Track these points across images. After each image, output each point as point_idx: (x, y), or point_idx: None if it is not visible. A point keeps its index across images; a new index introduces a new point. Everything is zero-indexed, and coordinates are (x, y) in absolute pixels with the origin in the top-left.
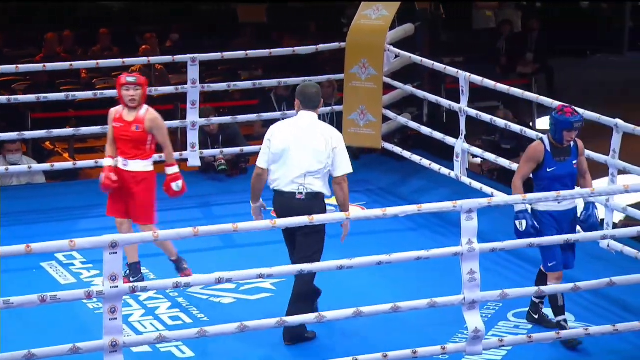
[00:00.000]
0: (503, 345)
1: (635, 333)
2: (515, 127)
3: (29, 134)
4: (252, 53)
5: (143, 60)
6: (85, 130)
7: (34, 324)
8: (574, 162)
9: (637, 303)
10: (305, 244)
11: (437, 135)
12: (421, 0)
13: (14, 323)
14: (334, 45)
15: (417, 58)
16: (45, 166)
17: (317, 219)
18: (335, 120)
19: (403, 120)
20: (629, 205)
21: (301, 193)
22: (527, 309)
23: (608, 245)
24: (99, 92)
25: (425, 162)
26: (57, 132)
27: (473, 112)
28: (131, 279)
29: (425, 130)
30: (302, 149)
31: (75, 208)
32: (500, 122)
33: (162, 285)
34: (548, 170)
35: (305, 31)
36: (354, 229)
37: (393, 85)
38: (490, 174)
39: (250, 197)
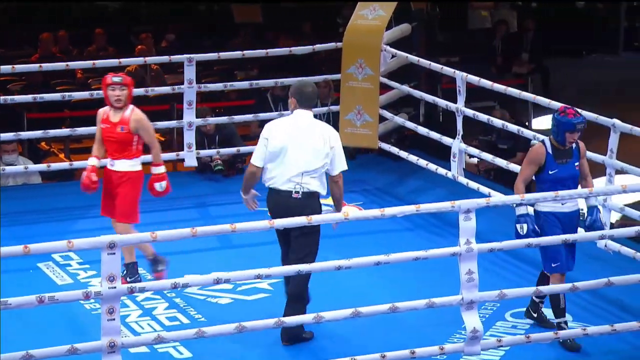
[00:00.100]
0: (501, 346)
1: (633, 333)
2: (512, 127)
3: (25, 134)
4: (248, 53)
5: (139, 60)
6: (81, 130)
7: (31, 324)
8: (576, 164)
9: (635, 303)
10: (301, 243)
11: (434, 135)
12: (417, 0)
13: (12, 324)
14: (331, 45)
15: (413, 58)
16: (42, 166)
17: (316, 219)
18: (332, 120)
19: (400, 120)
20: (626, 205)
21: (297, 192)
22: (524, 308)
23: (605, 245)
24: (95, 92)
25: (422, 162)
26: (53, 132)
27: (470, 112)
28: (128, 279)
29: (422, 130)
30: (300, 148)
31: (72, 208)
32: (497, 122)
33: (160, 285)
34: (550, 172)
35: (300, 31)
36: (351, 229)
37: (390, 85)
38: (487, 174)
39: (242, 190)
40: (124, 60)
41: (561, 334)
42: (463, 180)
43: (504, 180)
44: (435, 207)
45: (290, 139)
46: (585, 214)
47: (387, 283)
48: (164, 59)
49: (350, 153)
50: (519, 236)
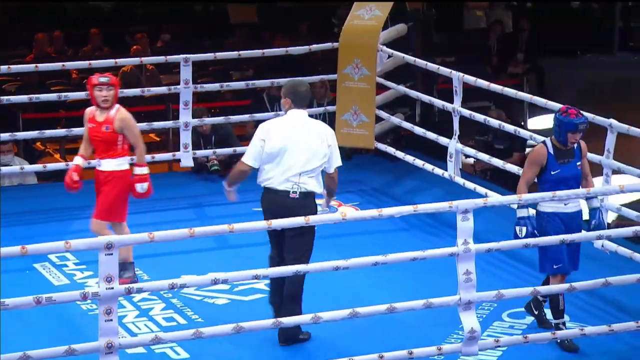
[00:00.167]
0: (499, 346)
1: (631, 333)
2: (509, 127)
3: (21, 135)
4: (245, 53)
5: (135, 60)
6: (77, 130)
7: (28, 325)
8: (578, 163)
9: (632, 303)
10: (297, 243)
11: (431, 135)
12: (413, 0)
13: (9, 324)
14: (327, 45)
15: (410, 58)
16: (38, 167)
17: (314, 220)
18: (328, 121)
19: (396, 120)
20: (622, 205)
21: (295, 192)
22: (522, 308)
23: (602, 246)
24: None
25: (419, 162)
26: (49, 132)
27: (467, 112)
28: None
29: (419, 130)
30: (298, 148)
31: (68, 209)
32: (494, 122)
33: (157, 286)
34: (552, 173)
35: (296, 31)
36: (348, 229)
37: (386, 86)
38: (483, 174)
39: (227, 181)
40: (120, 61)
41: (559, 335)
42: (459, 180)
43: (500, 181)
44: (433, 207)
45: (288, 140)
46: (589, 217)
47: (384, 283)
48: (160, 59)
49: (347, 153)
50: (517, 238)
